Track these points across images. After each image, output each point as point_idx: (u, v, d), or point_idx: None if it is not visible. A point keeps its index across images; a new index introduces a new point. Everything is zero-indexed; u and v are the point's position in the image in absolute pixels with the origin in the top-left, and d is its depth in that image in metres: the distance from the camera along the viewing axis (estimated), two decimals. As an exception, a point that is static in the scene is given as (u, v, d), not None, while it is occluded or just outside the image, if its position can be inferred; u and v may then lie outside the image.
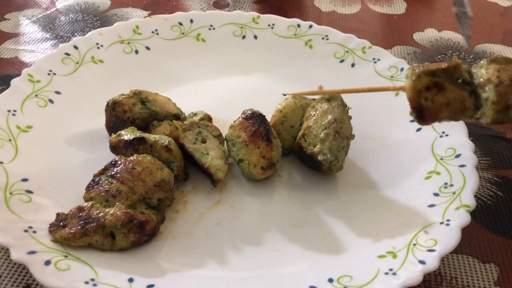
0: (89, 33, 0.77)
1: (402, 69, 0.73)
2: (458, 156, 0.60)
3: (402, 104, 0.69)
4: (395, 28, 0.96)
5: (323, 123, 0.58)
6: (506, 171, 0.65)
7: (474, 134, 0.69)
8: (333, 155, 0.58)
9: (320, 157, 0.57)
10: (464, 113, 0.51)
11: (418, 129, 0.66)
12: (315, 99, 0.64)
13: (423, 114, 0.50)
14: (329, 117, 0.58)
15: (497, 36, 0.93)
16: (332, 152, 0.57)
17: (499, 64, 0.52)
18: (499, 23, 0.98)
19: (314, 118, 0.59)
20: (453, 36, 0.93)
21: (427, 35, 0.93)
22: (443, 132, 0.64)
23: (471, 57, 0.87)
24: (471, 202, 0.54)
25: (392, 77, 0.73)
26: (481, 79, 0.52)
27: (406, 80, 0.52)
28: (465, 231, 0.53)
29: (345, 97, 0.72)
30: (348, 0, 1.04)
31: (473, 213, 0.57)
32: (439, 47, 0.90)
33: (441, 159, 0.61)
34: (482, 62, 0.54)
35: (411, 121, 0.67)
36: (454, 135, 0.63)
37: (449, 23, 0.97)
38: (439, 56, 0.87)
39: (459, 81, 0.50)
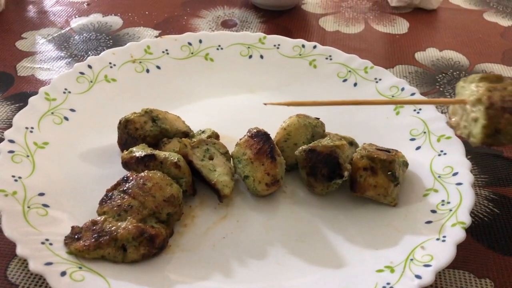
0: (103, 53, 0.80)
1: (403, 89, 0.76)
2: (455, 174, 0.63)
3: (403, 123, 0.72)
4: (397, 47, 0.98)
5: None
6: (503, 189, 0.67)
7: (472, 152, 0.71)
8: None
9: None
10: (386, 198, 0.60)
11: (418, 148, 0.68)
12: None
13: (354, 186, 0.61)
14: None
15: (496, 55, 0.96)
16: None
17: (490, 83, 0.51)
18: (499, 42, 1.00)
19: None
20: (454, 56, 0.95)
21: (429, 55, 0.96)
22: (442, 151, 0.66)
23: (471, 76, 0.90)
24: (467, 219, 0.56)
25: (393, 96, 0.76)
26: (472, 97, 0.51)
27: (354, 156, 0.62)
28: (461, 247, 0.55)
29: (348, 115, 0.75)
30: (352, 20, 1.07)
31: (470, 230, 0.60)
32: (440, 67, 0.92)
33: (439, 177, 0.63)
34: (472, 76, 0.53)
35: (411, 139, 0.70)
36: (452, 154, 0.65)
37: (451, 42, 0.99)
38: (440, 75, 0.90)
39: (389, 173, 0.60)
